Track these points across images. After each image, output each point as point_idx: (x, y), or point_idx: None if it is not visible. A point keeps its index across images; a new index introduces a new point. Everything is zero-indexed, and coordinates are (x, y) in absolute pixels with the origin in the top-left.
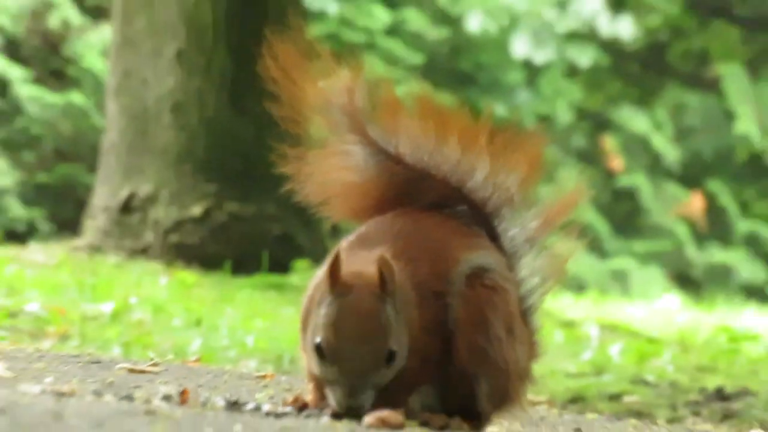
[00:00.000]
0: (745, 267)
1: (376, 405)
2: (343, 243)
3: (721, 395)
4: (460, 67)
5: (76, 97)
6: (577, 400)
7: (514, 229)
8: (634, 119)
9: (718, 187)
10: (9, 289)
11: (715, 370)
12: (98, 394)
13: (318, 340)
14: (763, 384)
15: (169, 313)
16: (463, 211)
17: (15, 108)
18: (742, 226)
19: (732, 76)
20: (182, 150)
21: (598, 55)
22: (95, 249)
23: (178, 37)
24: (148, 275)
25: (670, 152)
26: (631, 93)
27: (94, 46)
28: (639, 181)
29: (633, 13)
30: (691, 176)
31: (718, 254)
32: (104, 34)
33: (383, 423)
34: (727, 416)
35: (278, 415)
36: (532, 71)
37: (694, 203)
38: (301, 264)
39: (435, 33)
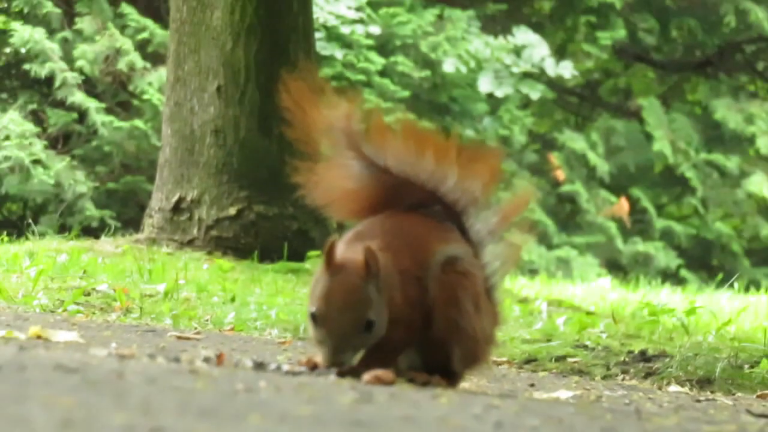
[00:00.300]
0: (661, 256)
1: (372, 365)
2: (344, 237)
3: (644, 357)
4: (438, 100)
5: (139, 123)
6: (530, 361)
7: (478, 224)
8: (574, 140)
9: (639, 193)
10: (84, 273)
11: (639, 337)
12: (152, 356)
13: (313, 309)
14: (677, 348)
15: (209, 292)
16: (438, 210)
17: (91, 131)
18: (659, 223)
19: (650, 107)
20: (221, 164)
21: (546, 91)
22: (152, 241)
23: (218, 76)
24: (193, 262)
25: (603, 166)
26: (571, 120)
27: (153, 83)
28: (578, 189)
29: (572, 59)
30: (618, 185)
31: (640, 246)
32: (161, 74)
33: (378, 380)
34: (649, 374)
35: (295, 374)
36: (494, 103)
37: (621, 206)
38: (313, 254)
39: (418, 74)
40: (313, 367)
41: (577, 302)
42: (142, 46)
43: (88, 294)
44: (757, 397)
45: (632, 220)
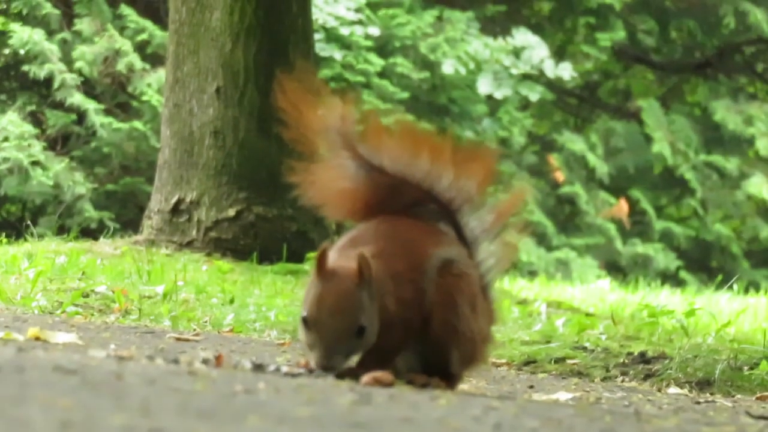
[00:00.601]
0: (660, 257)
1: (371, 367)
2: (336, 243)
3: (643, 359)
4: (437, 102)
5: (138, 125)
6: (530, 363)
7: (473, 222)
8: (574, 142)
9: (639, 194)
10: (83, 274)
11: (638, 338)
12: (151, 358)
13: (305, 313)
14: (676, 349)
15: (208, 294)
16: (433, 208)
17: (90, 133)
18: (658, 225)
19: (649, 108)
20: (220, 165)
21: (545, 92)
22: (151, 243)
23: (217, 77)
24: (192, 263)
25: (602, 167)
26: (570, 121)
27: (152, 84)
28: (577, 190)
29: (572, 60)
30: (618, 186)
31: (639, 247)
32: (160, 75)
33: (377, 381)
34: (648, 375)
35: (294, 375)
36: (493, 104)
37: (621, 207)
38: (313, 255)
39: (418, 75)
40: (312, 368)
41: (577, 304)
42: (141, 48)
43: (87, 295)
44: (757, 398)
45: (631, 221)
